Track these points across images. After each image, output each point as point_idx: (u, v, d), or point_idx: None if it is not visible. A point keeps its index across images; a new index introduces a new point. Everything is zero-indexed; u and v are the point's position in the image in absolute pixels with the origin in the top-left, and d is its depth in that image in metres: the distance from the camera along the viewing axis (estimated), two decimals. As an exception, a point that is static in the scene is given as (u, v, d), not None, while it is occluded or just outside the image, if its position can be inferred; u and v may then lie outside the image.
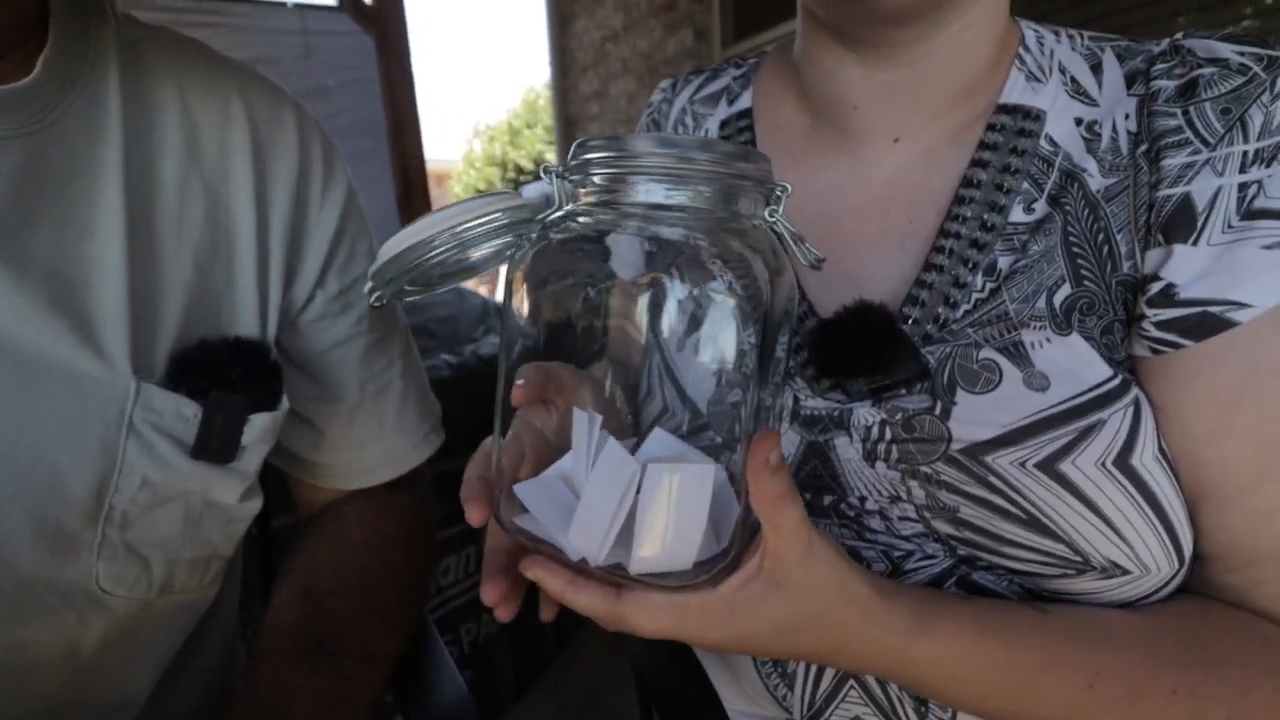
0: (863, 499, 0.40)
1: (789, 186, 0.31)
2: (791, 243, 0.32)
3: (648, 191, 0.29)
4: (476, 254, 0.33)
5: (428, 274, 0.34)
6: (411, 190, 3.61)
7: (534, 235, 0.32)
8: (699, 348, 0.33)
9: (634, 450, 0.34)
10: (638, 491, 0.29)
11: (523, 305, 0.33)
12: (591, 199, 0.30)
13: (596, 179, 0.29)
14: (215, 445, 0.39)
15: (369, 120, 3.69)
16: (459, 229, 0.32)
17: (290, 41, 3.54)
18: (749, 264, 0.30)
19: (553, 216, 0.31)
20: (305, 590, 0.45)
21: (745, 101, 0.51)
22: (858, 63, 0.42)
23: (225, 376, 0.39)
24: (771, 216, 0.31)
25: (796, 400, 0.42)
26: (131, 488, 0.37)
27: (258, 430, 0.40)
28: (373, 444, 0.51)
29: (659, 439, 0.34)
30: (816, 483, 0.42)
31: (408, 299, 0.36)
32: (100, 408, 0.35)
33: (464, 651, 1.21)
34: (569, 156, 0.31)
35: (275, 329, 0.45)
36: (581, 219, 0.31)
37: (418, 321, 1.64)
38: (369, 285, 0.34)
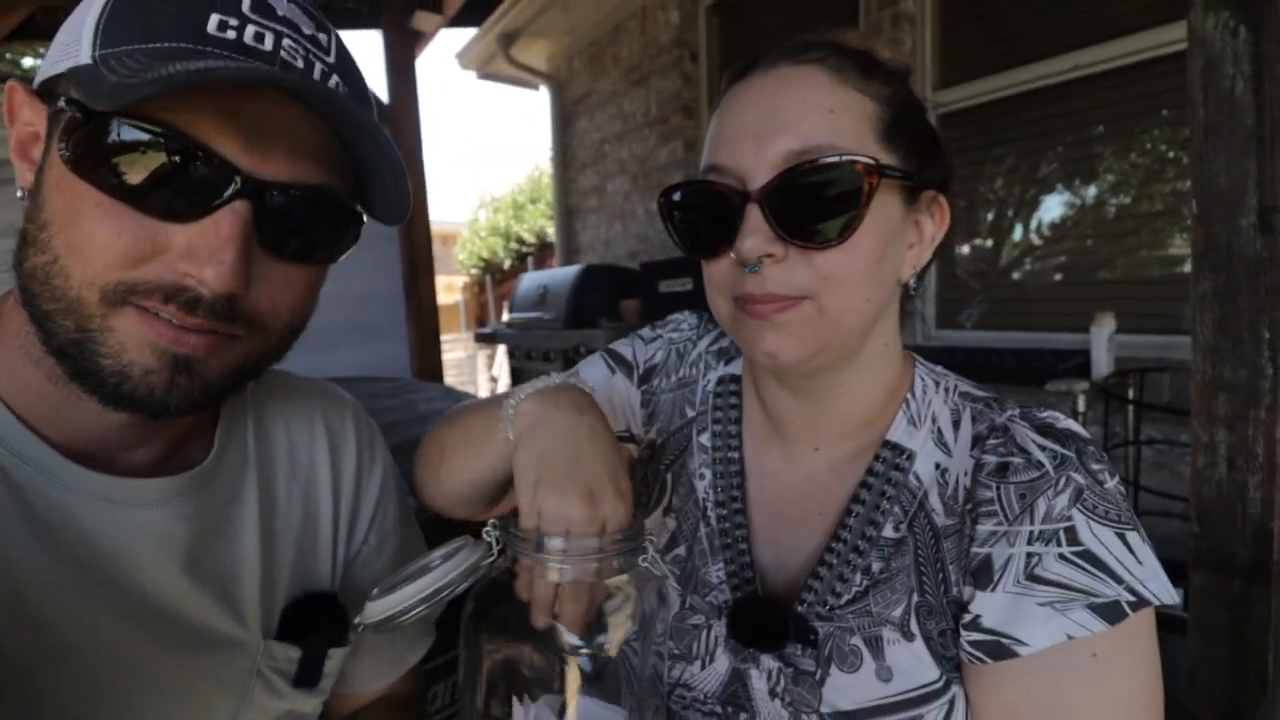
0: None
1: (652, 544, 0.46)
2: (661, 575, 0.47)
3: (553, 568, 0.45)
4: (443, 602, 0.47)
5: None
6: (418, 276, 3.82)
7: (481, 580, 0.47)
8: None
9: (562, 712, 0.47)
10: None
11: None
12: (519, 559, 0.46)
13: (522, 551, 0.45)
14: (308, 676, 0.54)
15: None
16: (435, 596, 0.46)
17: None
18: (636, 591, 0.46)
19: (494, 566, 0.47)
20: None
21: (737, 368, 0.65)
22: (789, 396, 0.57)
23: (313, 624, 0.55)
24: (643, 563, 0.46)
25: (728, 630, 0.55)
26: (251, 711, 0.51)
27: (335, 662, 0.56)
28: (385, 653, 0.65)
29: (586, 705, 0.48)
30: (737, 701, 0.55)
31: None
32: (241, 660, 0.51)
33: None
34: (507, 526, 0.46)
35: (341, 577, 0.60)
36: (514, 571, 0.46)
37: (420, 412, 1.75)
38: (356, 625, 0.48)
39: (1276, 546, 0.98)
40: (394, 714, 0.66)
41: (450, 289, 10.40)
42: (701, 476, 0.62)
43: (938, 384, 0.56)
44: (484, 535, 0.48)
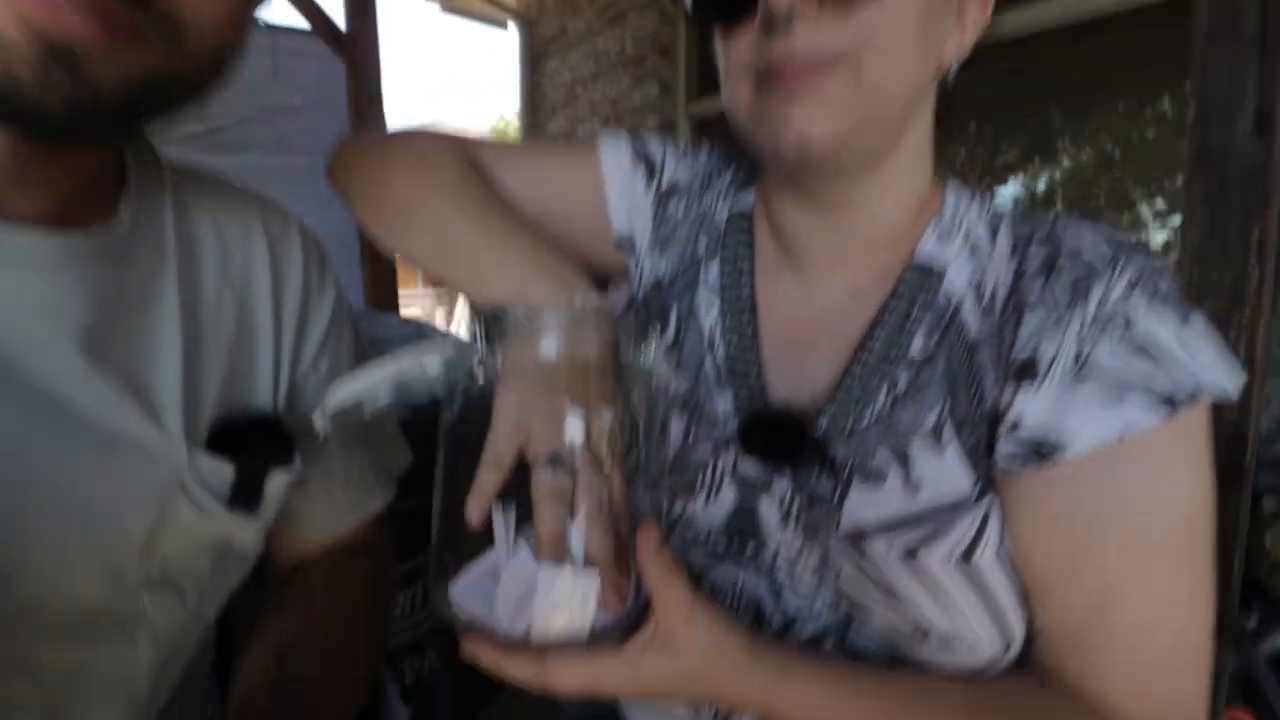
0: (776, 553, 0.50)
1: (658, 329, 0.41)
2: (657, 377, 0.42)
3: (549, 344, 0.39)
4: (412, 392, 0.41)
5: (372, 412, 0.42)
6: (374, 213, 3.65)
7: (463, 377, 0.41)
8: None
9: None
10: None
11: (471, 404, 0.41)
12: (509, 348, 0.40)
13: (511, 334, 0.40)
14: (245, 498, 0.47)
15: (334, 139, 3.72)
16: (399, 380, 0.40)
17: (257, 60, 3.56)
18: (633, 386, 0.40)
19: (475, 363, 0.41)
20: (277, 651, 0.51)
21: (747, 204, 0.59)
22: (807, 211, 0.52)
23: (251, 441, 0.48)
24: (640, 360, 0.41)
25: (736, 462, 0.51)
26: (176, 534, 0.44)
27: (278, 485, 0.49)
28: (340, 494, 0.59)
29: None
30: (744, 534, 0.51)
31: (348, 425, 0.43)
32: (160, 472, 0.44)
33: (405, 686, 1.24)
34: (490, 317, 0.40)
35: (285, 401, 0.53)
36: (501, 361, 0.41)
37: (378, 336, 1.67)
38: (317, 420, 0.42)
39: (1250, 449, 0.99)
40: (352, 559, 0.60)
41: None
42: (708, 311, 0.57)
43: (973, 197, 0.52)
44: (467, 331, 0.42)
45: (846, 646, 0.48)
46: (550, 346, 0.39)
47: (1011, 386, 0.44)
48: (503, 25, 4.82)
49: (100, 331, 0.42)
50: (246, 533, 0.49)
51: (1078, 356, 0.42)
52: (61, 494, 0.40)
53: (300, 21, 3.37)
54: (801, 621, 0.49)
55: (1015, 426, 0.43)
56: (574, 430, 0.39)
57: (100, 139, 0.39)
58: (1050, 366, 0.42)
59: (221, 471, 0.46)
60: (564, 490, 0.39)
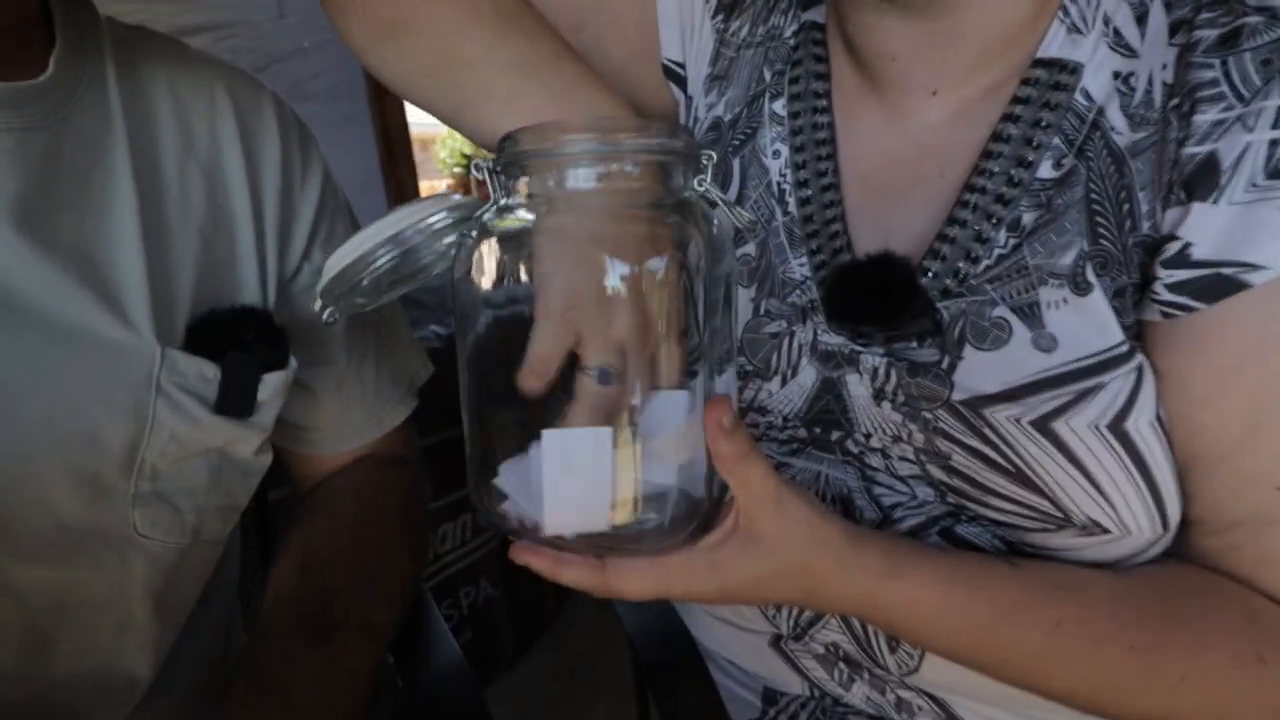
0: (868, 435, 0.42)
1: (714, 155, 0.32)
2: (724, 209, 0.33)
3: (578, 178, 0.30)
4: (421, 259, 0.34)
5: (377, 284, 0.35)
6: (395, 156, 3.51)
7: (474, 233, 0.33)
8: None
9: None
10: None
11: (488, 277, 0.33)
12: (526, 191, 0.31)
13: (528, 172, 0.30)
14: (234, 401, 0.42)
15: (348, 83, 3.58)
16: (400, 236, 0.33)
17: (261, 2, 3.45)
18: (687, 234, 0.31)
19: (489, 215, 0.32)
20: (303, 565, 0.47)
21: (819, 15, 0.48)
22: (897, 14, 0.41)
23: (238, 340, 0.43)
24: (700, 186, 0.32)
25: (815, 334, 0.43)
26: (161, 443, 0.40)
27: (272, 387, 0.44)
28: (356, 406, 0.54)
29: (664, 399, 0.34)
30: (828, 417, 0.43)
31: (359, 310, 0.37)
32: (130, 372, 0.39)
33: (463, 614, 1.23)
34: (498, 151, 0.32)
35: (274, 298, 0.48)
36: (519, 212, 0.31)
37: (407, 292, 1.63)
38: (319, 304, 0.35)
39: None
40: (378, 469, 0.55)
41: (434, 192, 10.03)
42: (775, 154, 0.47)
43: None
44: (473, 173, 0.33)
45: (955, 539, 0.41)
46: (586, 180, 0.31)
47: (1179, 201, 0.34)
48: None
49: (39, 208, 0.36)
50: (244, 443, 0.45)
51: (1272, 153, 0.32)
52: (11, 396, 0.35)
53: (299, -46, 3.21)
54: (900, 514, 0.42)
55: (1183, 254, 0.34)
56: (617, 286, 0.31)
57: None
58: (1235, 168, 0.33)
59: (204, 372, 0.41)
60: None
